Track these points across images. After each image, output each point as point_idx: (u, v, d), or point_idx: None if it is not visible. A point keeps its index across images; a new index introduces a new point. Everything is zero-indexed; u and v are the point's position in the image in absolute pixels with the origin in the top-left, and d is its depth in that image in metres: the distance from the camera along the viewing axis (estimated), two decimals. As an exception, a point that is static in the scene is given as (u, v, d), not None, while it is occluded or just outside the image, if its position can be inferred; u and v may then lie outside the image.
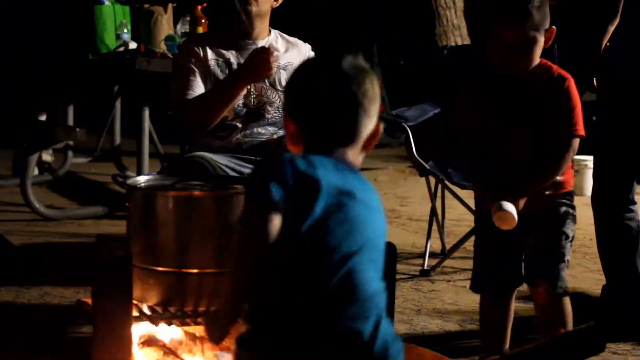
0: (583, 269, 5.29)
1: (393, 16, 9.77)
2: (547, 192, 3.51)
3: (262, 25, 4.23)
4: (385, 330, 2.36)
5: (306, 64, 2.54)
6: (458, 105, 3.63)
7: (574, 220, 3.57)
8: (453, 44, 8.53)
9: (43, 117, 7.05)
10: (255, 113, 4.19)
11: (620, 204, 4.26)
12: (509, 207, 3.37)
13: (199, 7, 6.16)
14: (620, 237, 4.27)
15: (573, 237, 3.58)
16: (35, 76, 7.12)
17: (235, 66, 4.17)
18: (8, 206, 6.67)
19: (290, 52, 4.29)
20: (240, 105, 4.16)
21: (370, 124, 2.45)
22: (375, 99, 2.45)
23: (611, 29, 4.23)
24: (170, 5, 6.75)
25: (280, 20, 4.51)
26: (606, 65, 4.18)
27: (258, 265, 2.30)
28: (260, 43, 4.22)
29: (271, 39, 4.26)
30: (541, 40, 3.42)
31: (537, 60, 3.46)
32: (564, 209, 3.53)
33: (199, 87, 4.14)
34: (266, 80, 4.16)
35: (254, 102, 4.19)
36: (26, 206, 6.23)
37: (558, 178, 3.50)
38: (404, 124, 5.35)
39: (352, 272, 2.32)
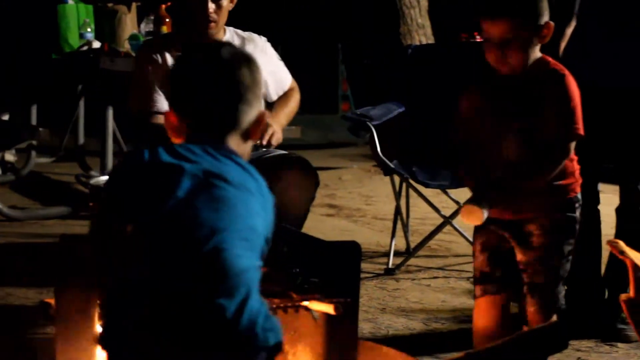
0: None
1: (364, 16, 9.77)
2: (547, 199, 3.36)
3: (220, 31, 4.20)
4: (253, 307, 2.36)
5: (186, 55, 2.58)
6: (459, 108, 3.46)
7: (573, 234, 3.40)
8: (417, 43, 8.54)
9: (6, 117, 7.00)
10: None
11: (585, 204, 4.27)
12: (478, 202, 3.31)
13: (163, 6, 6.14)
14: (585, 237, 4.28)
15: (570, 252, 3.40)
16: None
17: None
18: (-30, 206, 6.62)
19: (247, 48, 4.26)
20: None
21: (250, 111, 2.48)
22: (253, 87, 2.48)
23: (569, 31, 4.25)
24: (134, 4, 6.73)
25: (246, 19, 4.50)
26: (568, 68, 4.17)
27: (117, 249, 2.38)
28: None
29: (227, 38, 4.23)
30: (533, 36, 3.29)
31: (532, 56, 3.33)
32: (563, 221, 3.38)
33: (159, 98, 4.09)
34: None
35: None
36: (-11, 206, 6.18)
37: (558, 183, 3.33)
38: (368, 123, 5.35)
39: (219, 248, 2.33)
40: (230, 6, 4.16)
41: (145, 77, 4.12)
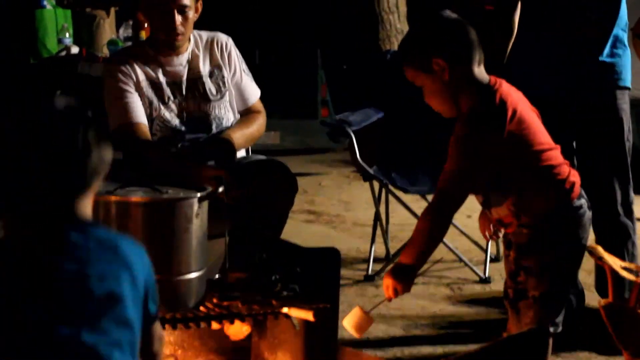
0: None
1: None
2: (516, 213, 3.19)
3: (186, 41, 4.17)
4: None
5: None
6: None
7: (539, 250, 3.17)
8: (396, 48, 8.55)
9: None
10: (192, 128, 4.13)
11: None
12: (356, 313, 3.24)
13: (142, 11, 6.12)
14: None
15: (546, 266, 3.16)
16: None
17: (165, 86, 4.08)
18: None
19: (211, 54, 4.22)
20: (177, 123, 4.09)
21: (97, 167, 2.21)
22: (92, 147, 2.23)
23: (510, 44, 4.25)
24: (112, 9, 6.72)
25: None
26: (510, 78, 4.13)
27: None
28: (184, 56, 4.15)
29: (192, 47, 4.20)
30: (431, 78, 3.11)
31: (449, 98, 3.13)
32: (522, 238, 3.19)
33: (137, 107, 4.04)
34: (196, 93, 4.11)
35: (187, 118, 4.13)
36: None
37: (522, 199, 3.15)
38: (347, 128, 5.34)
39: None
40: (196, 17, 4.15)
41: (117, 91, 4.07)
